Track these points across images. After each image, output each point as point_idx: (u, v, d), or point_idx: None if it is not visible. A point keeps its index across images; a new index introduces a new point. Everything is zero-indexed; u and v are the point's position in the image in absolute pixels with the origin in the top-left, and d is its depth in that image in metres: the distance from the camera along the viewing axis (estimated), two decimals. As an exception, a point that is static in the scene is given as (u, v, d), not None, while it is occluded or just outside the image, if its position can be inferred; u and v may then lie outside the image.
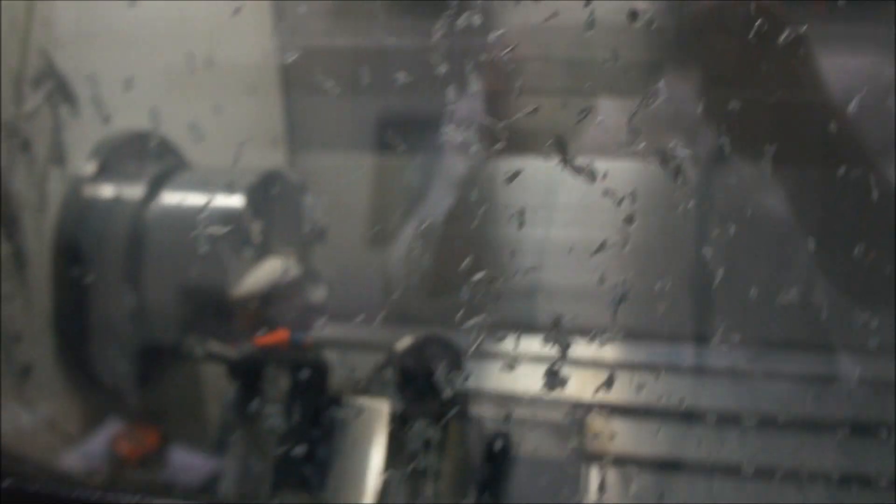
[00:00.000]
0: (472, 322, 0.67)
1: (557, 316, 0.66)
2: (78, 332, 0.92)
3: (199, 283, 0.91)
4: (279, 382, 0.82)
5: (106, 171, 0.97)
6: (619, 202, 0.65)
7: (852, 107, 0.67)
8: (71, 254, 0.92)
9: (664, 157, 0.65)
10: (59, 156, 0.92)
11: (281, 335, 0.86)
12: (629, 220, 0.65)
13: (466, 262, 0.67)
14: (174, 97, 0.95)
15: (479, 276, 0.66)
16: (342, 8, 0.98)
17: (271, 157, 1.20)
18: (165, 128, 1.01)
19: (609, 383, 0.67)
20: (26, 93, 0.86)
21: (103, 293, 0.93)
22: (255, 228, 0.91)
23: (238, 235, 0.90)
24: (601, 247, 0.66)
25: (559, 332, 0.65)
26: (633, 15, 0.64)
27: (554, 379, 0.65)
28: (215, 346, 0.88)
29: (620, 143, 0.63)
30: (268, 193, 0.94)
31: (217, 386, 0.93)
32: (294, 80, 1.16)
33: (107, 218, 0.95)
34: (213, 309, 0.92)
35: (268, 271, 0.92)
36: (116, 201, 0.96)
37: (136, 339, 0.93)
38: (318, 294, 0.93)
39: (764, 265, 0.76)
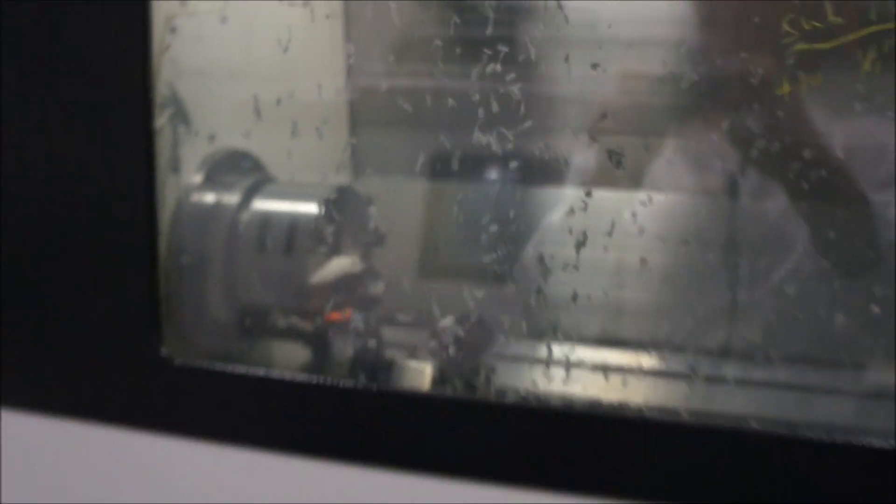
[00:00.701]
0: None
1: (541, 254, 0.93)
2: (182, 309, 1.14)
3: (284, 272, 1.13)
4: (345, 350, 1.04)
5: (209, 181, 1.18)
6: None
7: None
8: (180, 246, 1.14)
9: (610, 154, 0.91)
10: (175, 166, 1.14)
11: (347, 315, 1.07)
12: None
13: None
14: (264, 123, 1.16)
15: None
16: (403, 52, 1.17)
17: (336, 179, 1.39)
18: (256, 148, 1.23)
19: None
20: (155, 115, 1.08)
21: (205, 279, 1.15)
22: (329, 232, 1.12)
23: (315, 236, 1.12)
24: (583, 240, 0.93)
25: (543, 266, 0.91)
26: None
27: (538, 296, 0.90)
28: (295, 321, 1.10)
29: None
30: (340, 204, 1.15)
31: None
32: (359, 115, 1.34)
33: (209, 219, 1.16)
34: (293, 293, 1.14)
35: (337, 266, 1.13)
36: (217, 206, 1.17)
37: (231, 315, 1.15)
38: (376, 287, 1.14)
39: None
